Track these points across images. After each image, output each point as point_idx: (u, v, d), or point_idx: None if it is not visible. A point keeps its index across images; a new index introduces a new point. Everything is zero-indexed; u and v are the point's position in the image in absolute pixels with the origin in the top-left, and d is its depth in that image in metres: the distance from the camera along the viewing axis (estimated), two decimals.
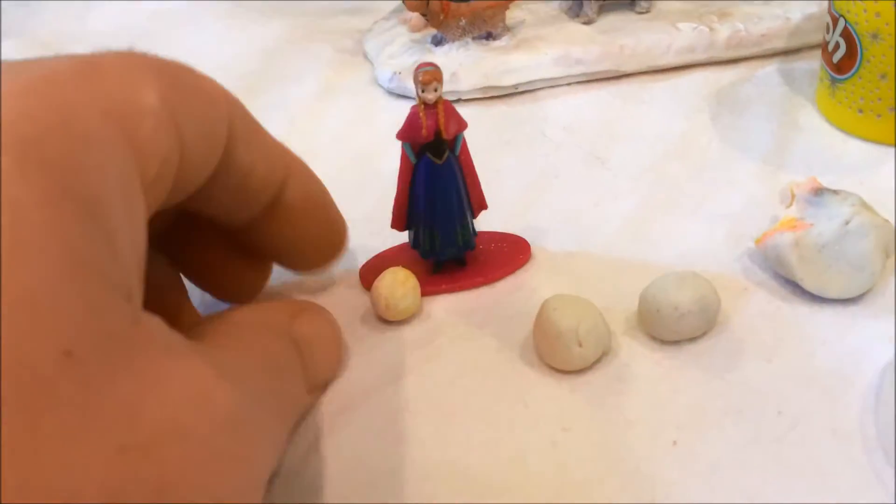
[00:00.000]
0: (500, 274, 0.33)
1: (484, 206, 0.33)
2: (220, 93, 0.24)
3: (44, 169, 0.17)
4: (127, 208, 0.19)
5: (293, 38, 0.52)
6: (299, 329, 0.26)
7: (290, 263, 0.31)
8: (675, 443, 0.26)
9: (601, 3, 0.47)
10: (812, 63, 0.43)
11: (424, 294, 0.31)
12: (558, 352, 0.27)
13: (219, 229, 0.28)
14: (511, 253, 0.34)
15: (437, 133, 0.29)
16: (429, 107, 0.29)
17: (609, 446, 0.26)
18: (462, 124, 0.30)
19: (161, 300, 0.27)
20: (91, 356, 0.16)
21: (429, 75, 0.28)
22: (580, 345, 0.27)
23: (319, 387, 0.28)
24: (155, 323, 0.19)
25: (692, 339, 0.29)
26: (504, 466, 0.25)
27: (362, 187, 0.37)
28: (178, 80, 0.22)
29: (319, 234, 0.29)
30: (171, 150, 0.21)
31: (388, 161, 0.40)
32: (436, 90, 0.29)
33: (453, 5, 0.44)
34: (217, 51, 0.51)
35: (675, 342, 0.29)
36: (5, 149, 0.16)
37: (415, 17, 0.46)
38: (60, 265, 0.16)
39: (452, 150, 0.30)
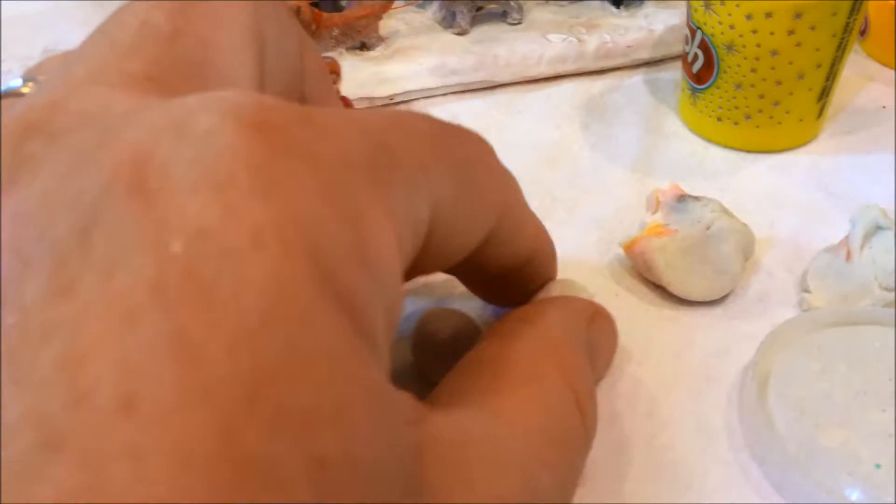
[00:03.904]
0: None
1: None
2: (497, 188, 0.21)
3: (342, 303, 0.14)
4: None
5: None
6: (592, 336, 0.24)
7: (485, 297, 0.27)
8: None
9: (474, 13, 0.47)
10: (674, 73, 0.45)
11: None
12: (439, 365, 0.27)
13: None
14: None
15: None
16: None
17: None
18: None
19: None
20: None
21: (328, 67, 0.27)
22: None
23: None
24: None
25: None
26: None
27: None
28: (461, 163, 0.19)
29: (526, 261, 0.26)
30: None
31: None
32: (334, 83, 0.28)
33: (325, 15, 0.43)
34: None
35: None
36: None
37: None
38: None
39: None
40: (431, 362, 0.27)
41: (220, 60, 0.18)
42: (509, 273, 0.24)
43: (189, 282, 0.12)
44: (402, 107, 0.44)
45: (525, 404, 0.19)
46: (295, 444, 0.12)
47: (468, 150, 0.20)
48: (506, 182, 0.22)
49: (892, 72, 0.46)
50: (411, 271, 0.19)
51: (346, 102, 0.28)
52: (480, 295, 0.27)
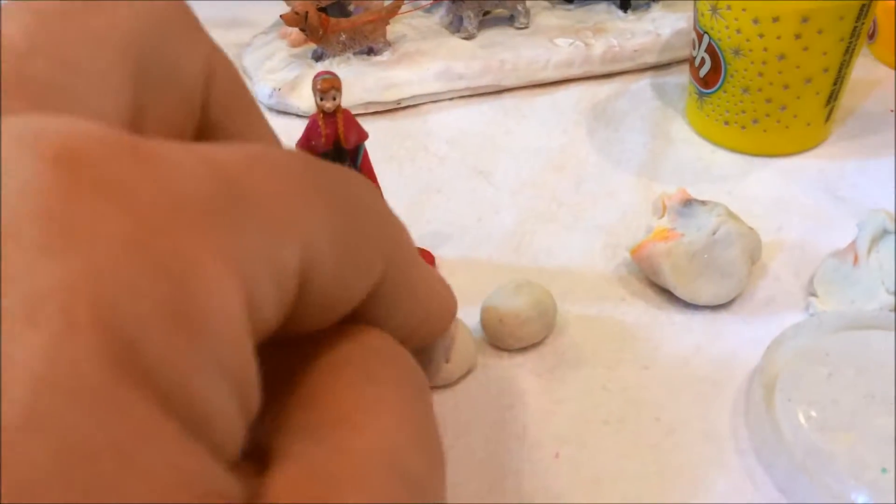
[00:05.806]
0: None
1: None
2: (382, 235, 0.18)
3: (146, 379, 0.12)
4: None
5: None
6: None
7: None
8: (557, 455, 0.26)
9: (481, 18, 0.47)
10: (681, 77, 0.45)
11: None
12: (423, 366, 0.27)
13: None
14: None
15: (337, 143, 0.29)
16: (328, 116, 0.28)
17: (492, 462, 0.26)
18: (363, 134, 0.29)
19: None
20: None
21: (328, 83, 0.28)
22: (448, 360, 0.27)
23: None
24: None
25: (577, 350, 0.29)
26: None
27: None
28: (341, 206, 0.17)
29: (420, 322, 0.23)
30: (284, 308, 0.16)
31: None
32: (334, 98, 0.28)
33: (333, 20, 0.43)
34: None
35: (521, 349, 0.29)
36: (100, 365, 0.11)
37: (295, 31, 0.46)
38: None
39: (353, 161, 0.30)
40: None
41: (78, 84, 0.16)
42: (401, 341, 0.21)
43: None
44: (409, 111, 0.44)
45: (378, 403, 0.17)
46: None
47: (348, 189, 0.17)
48: (392, 229, 0.19)
49: None
50: (290, 327, 0.17)
51: (347, 115, 0.29)
52: None
